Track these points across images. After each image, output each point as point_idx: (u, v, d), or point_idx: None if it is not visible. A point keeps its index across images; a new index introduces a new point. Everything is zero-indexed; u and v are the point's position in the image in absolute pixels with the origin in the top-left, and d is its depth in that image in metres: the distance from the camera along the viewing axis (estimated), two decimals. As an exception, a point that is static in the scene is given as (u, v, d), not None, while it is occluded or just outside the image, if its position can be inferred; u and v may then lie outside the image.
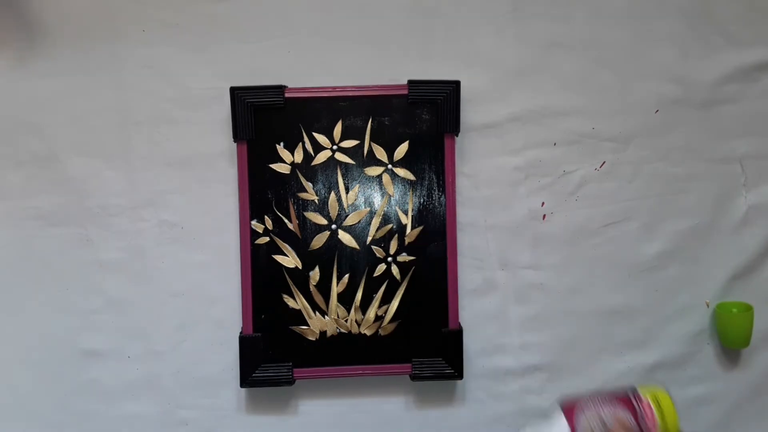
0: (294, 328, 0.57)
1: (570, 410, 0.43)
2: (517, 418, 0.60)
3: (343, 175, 0.56)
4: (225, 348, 0.58)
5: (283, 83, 0.56)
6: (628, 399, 0.43)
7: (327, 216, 0.56)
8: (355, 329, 0.57)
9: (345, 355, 0.57)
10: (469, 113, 0.58)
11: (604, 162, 0.60)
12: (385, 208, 0.57)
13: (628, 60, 0.59)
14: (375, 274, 0.57)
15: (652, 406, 0.42)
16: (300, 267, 0.56)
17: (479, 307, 0.59)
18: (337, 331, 0.57)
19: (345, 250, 0.56)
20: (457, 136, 0.57)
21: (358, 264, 0.57)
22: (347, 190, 0.56)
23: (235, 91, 0.54)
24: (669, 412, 0.42)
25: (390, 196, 0.57)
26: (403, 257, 0.57)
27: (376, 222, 0.57)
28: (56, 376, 0.59)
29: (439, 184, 0.56)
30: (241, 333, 0.57)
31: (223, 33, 0.57)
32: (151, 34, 0.57)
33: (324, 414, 0.59)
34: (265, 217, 0.56)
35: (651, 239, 0.60)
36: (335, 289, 0.57)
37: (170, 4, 0.57)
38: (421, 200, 0.56)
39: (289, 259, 0.56)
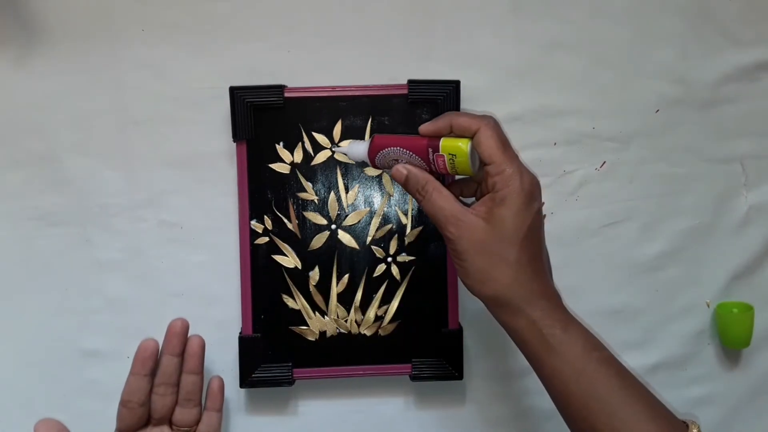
0: (294, 328, 0.56)
1: (378, 144, 0.46)
2: (518, 419, 0.60)
3: (342, 175, 0.56)
4: (224, 348, 0.58)
5: (283, 83, 0.56)
6: (425, 149, 0.44)
7: (327, 216, 0.56)
8: (354, 329, 0.57)
9: (345, 356, 0.57)
10: (469, 113, 0.58)
11: (604, 162, 0.59)
12: (385, 208, 0.57)
13: (628, 60, 0.59)
14: (375, 275, 0.57)
15: (446, 164, 0.44)
16: (300, 267, 0.56)
17: (479, 307, 0.59)
18: (337, 331, 0.57)
19: (345, 250, 0.56)
20: (457, 135, 0.56)
21: (357, 264, 0.56)
22: (347, 190, 0.56)
23: (234, 91, 0.54)
24: (462, 169, 0.44)
25: (390, 196, 0.56)
26: (403, 257, 0.57)
27: (375, 222, 0.56)
28: (55, 376, 0.58)
29: (439, 184, 0.56)
30: (240, 333, 0.56)
31: (223, 32, 0.57)
32: (150, 33, 0.57)
33: (324, 414, 0.59)
34: (265, 217, 0.56)
35: (651, 239, 0.60)
36: (335, 289, 0.56)
37: (170, 4, 0.57)
38: (421, 200, 0.56)
39: (289, 259, 0.56)
